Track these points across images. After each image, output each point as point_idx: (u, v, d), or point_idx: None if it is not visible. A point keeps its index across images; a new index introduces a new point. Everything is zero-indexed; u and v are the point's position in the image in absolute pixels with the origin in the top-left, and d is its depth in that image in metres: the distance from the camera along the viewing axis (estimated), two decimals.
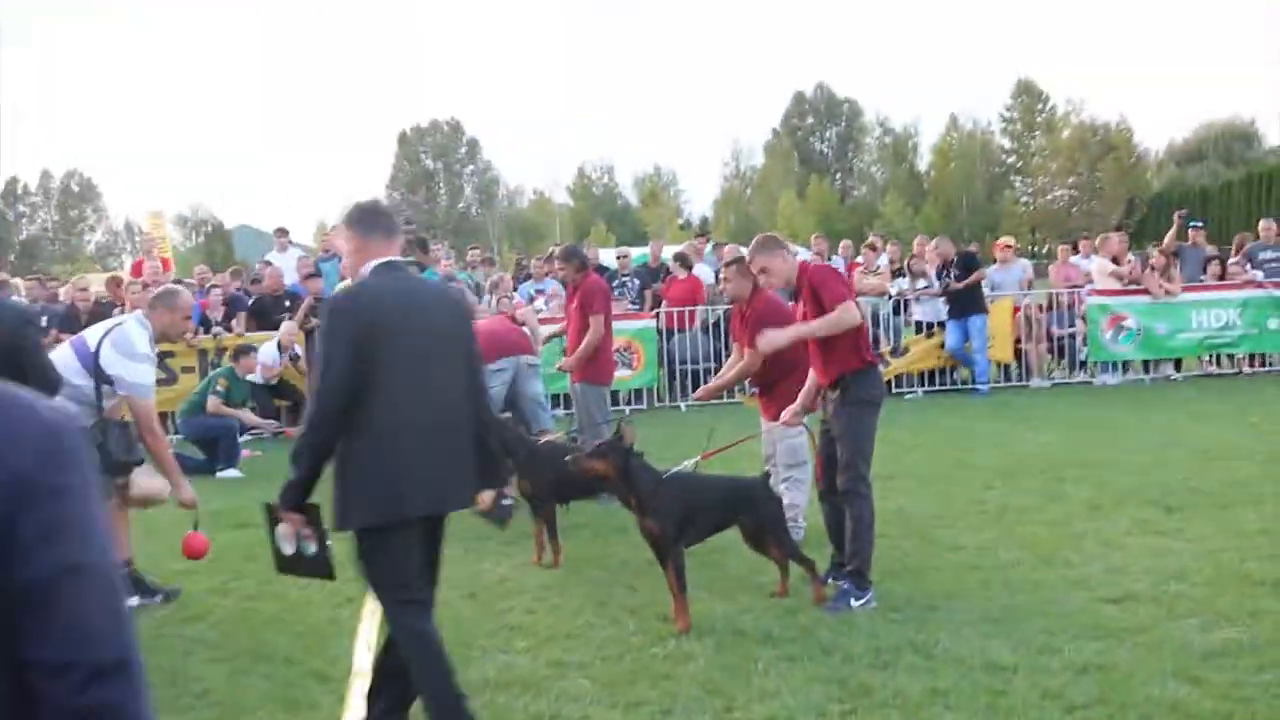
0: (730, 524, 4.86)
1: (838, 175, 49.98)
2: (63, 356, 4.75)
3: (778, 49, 62.86)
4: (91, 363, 4.75)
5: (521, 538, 6.05)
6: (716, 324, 12.00)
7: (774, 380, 5.71)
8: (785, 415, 5.15)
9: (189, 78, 72.53)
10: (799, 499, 5.81)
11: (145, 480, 5.06)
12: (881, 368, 6.33)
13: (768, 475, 5.08)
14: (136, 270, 13.07)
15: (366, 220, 3.30)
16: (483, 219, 55.07)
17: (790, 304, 5.34)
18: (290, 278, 12.53)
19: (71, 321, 11.35)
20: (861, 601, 4.62)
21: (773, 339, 4.81)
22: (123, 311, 10.95)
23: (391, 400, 3.09)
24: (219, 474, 9.06)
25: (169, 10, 74.81)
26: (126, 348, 4.82)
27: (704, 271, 12.60)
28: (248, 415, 10.06)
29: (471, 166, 57.84)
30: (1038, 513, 6.25)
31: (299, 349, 11.01)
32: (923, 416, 10.38)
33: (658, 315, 12.18)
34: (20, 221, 51.67)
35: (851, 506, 4.75)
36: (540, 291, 12.33)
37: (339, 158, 65.90)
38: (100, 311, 11.37)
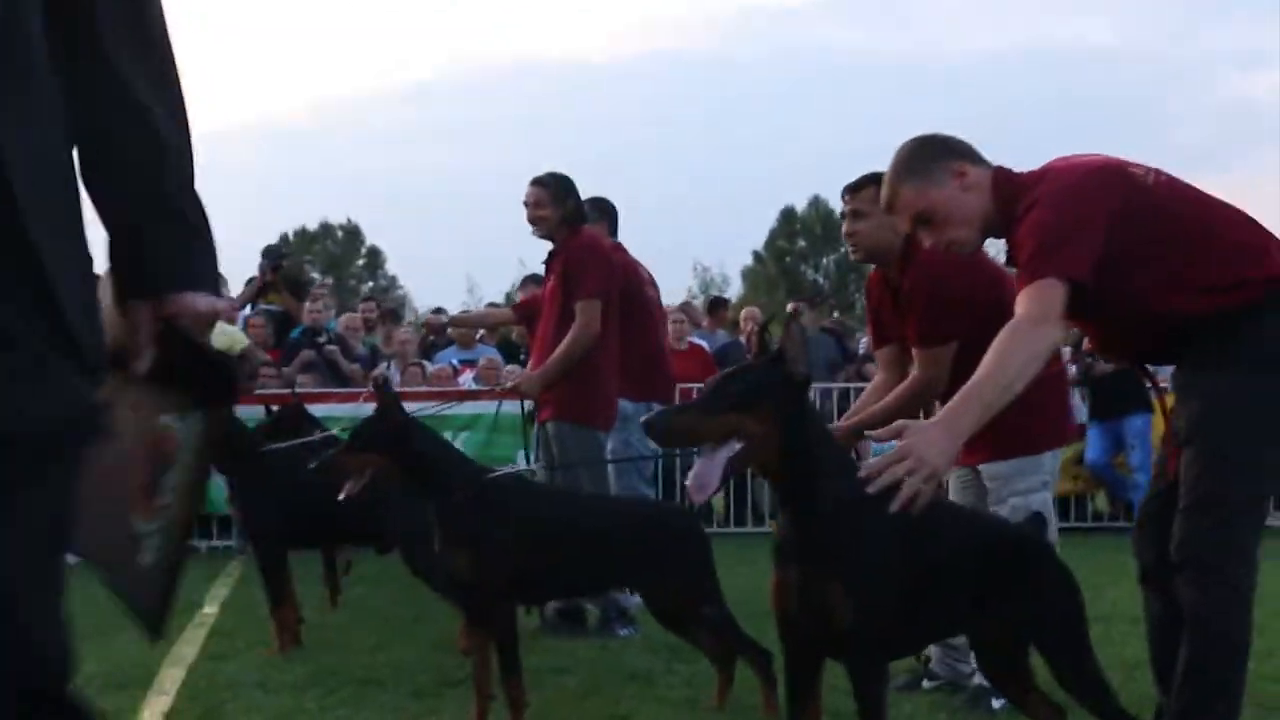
0: (975, 621, 2.80)
1: (835, 311, 50.96)
2: None
3: (759, 162, 65.46)
4: None
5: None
6: None
7: None
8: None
9: None
10: None
11: None
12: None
13: (1041, 517, 2.97)
14: None
15: None
16: None
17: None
18: None
19: None
20: None
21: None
22: None
23: None
24: None
25: None
26: None
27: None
28: None
29: (371, 284, 56.93)
30: None
31: None
32: None
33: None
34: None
35: (1196, 601, 2.62)
36: (468, 363, 10.17)
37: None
38: None
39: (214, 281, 1.55)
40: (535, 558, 3.59)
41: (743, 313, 12.64)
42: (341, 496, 3.56)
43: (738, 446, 2.35)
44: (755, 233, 54.87)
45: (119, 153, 1.41)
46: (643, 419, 2.42)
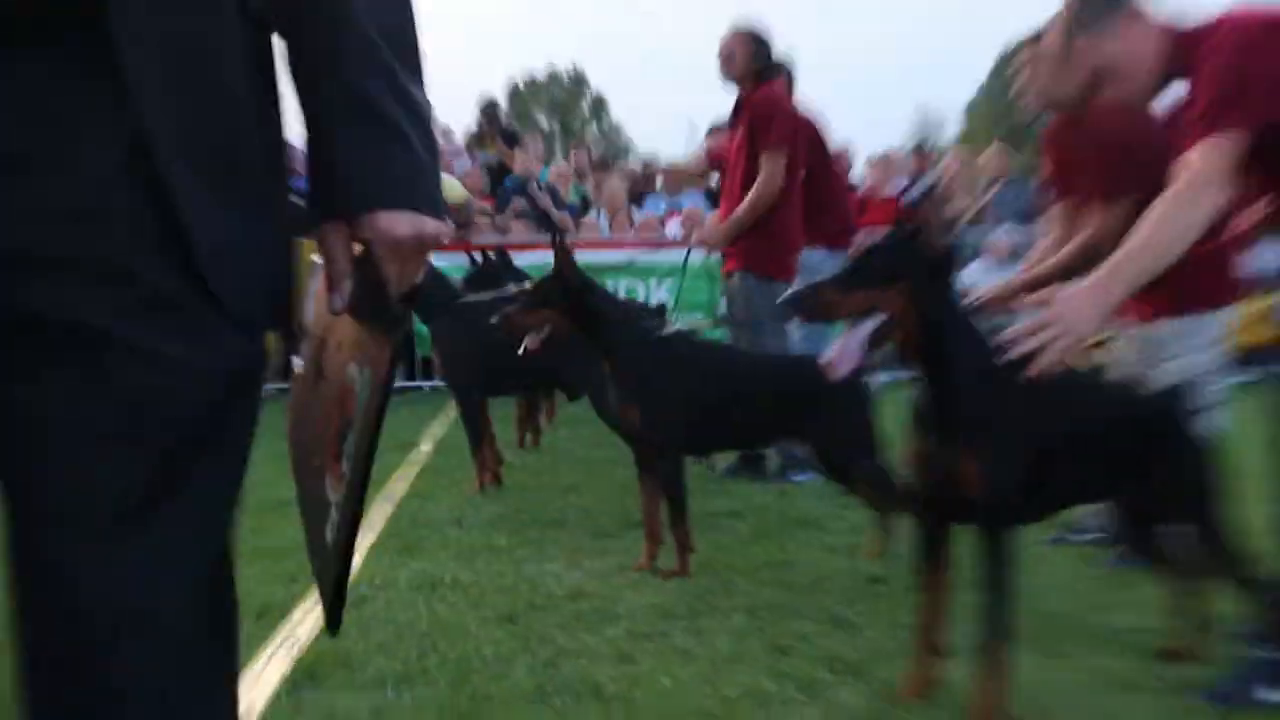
0: (1105, 492, 2.79)
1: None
2: None
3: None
4: None
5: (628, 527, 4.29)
6: None
7: None
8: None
9: None
10: None
11: None
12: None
13: (1179, 391, 2.82)
14: None
15: None
16: None
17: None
18: None
19: None
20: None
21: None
22: None
23: None
24: None
25: None
26: None
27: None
28: None
29: (595, 125, 56.61)
30: None
31: None
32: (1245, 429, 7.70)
33: None
34: None
35: None
36: (675, 211, 10.19)
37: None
38: None
39: (425, 197, 1.21)
40: (699, 412, 3.72)
41: (946, 156, 12.13)
42: (520, 352, 3.76)
43: (878, 321, 2.34)
44: (977, 70, 53.12)
45: (308, 47, 1.17)
46: (780, 298, 2.41)
